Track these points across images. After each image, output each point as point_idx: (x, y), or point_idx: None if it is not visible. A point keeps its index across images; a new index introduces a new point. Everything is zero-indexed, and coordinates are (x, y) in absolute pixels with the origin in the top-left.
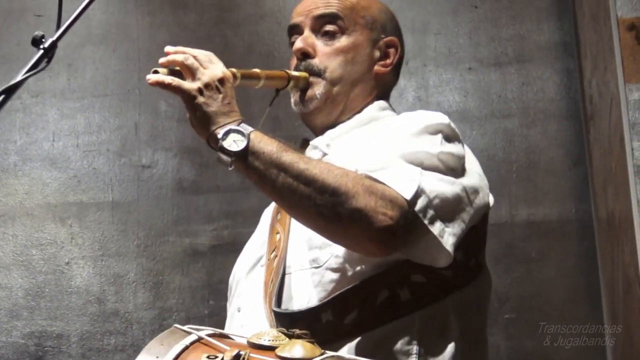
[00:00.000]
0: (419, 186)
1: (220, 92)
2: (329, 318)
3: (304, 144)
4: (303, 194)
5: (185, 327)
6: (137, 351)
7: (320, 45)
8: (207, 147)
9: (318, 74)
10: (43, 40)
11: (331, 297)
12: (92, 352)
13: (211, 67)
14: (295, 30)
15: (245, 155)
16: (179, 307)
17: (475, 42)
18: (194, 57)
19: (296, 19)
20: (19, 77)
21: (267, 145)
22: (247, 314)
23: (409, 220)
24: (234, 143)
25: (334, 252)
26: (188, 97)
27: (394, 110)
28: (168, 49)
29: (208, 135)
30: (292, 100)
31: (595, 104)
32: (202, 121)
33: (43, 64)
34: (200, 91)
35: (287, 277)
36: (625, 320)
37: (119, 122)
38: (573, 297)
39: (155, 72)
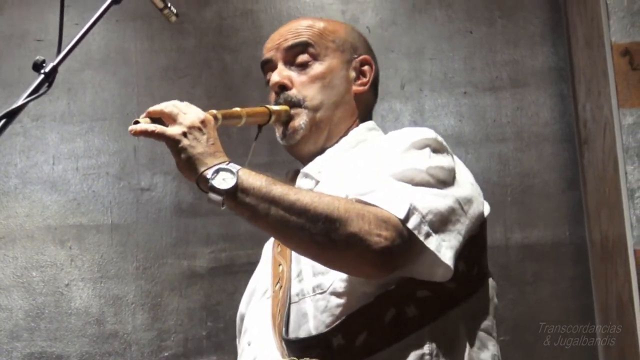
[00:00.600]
0: (410, 204)
1: (203, 134)
2: (340, 342)
3: (295, 175)
4: (296, 225)
5: None
6: None
7: (296, 76)
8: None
9: (298, 104)
10: (44, 65)
11: (340, 321)
12: None
13: (191, 110)
14: (268, 66)
15: (235, 193)
16: (177, 329)
17: (471, 67)
18: (173, 104)
19: (267, 54)
20: (20, 102)
21: (256, 180)
22: (258, 346)
23: (405, 239)
24: (223, 182)
25: (337, 277)
26: (173, 142)
27: (379, 129)
28: (150, 109)
29: (197, 177)
30: (277, 134)
31: (589, 129)
32: (188, 164)
33: (44, 89)
34: (184, 134)
35: (293, 306)
36: (619, 343)
37: (118, 146)
38: (567, 319)
39: (136, 122)
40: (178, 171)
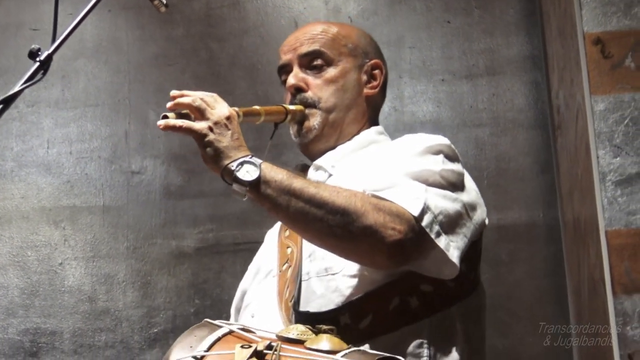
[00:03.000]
0: (424, 203)
1: (229, 129)
2: (347, 321)
3: (303, 169)
4: (315, 217)
5: (216, 321)
6: (126, 347)
7: (311, 79)
8: (194, 154)
9: (313, 105)
10: (39, 53)
11: (349, 301)
12: (84, 349)
13: (217, 106)
14: (284, 69)
15: (258, 184)
16: (166, 306)
17: (448, 56)
18: (201, 98)
19: (284, 58)
20: (16, 88)
21: (277, 173)
22: (262, 319)
23: (417, 235)
24: (247, 174)
25: (348, 261)
26: (199, 136)
27: (387, 134)
28: (173, 93)
29: (222, 169)
30: (291, 132)
31: (562, 115)
32: (214, 157)
33: (39, 76)
34: (210, 129)
35: (304, 283)
36: (591, 320)
37: (110, 131)
38: (541, 298)
39: (165, 117)
40: (167, 156)
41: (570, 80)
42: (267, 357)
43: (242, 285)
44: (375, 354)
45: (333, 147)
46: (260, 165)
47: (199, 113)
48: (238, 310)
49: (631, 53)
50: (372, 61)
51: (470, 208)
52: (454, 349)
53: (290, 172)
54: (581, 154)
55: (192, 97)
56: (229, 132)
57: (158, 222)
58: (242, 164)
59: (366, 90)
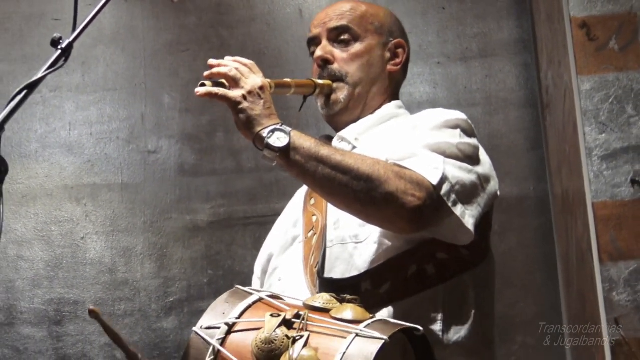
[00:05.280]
0: (443, 173)
1: (261, 98)
2: (368, 287)
3: (327, 140)
4: (341, 182)
5: (246, 288)
6: (144, 315)
7: (338, 53)
8: (206, 134)
9: (340, 79)
10: (60, 41)
11: (370, 268)
12: (105, 317)
13: (252, 77)
14: (314, 42)
15: (288, 151)
16: (181, 277)
17: (443, 40)
18: (236, 68)
19: (314, 31)
20: (39, 74)
21: (306, 141)
22: (288, 283)
23: (435, 202)
24: (277, 140)
25: (373, 230)
26: (234, 104)
27: (405, 108)
28: (211, 61)
29: (254, 135)
30: (319, 104)
31: (551, 94)
32: (247, 124)
33: (61, 63)
34: (244, 97)
35: (328, 250)
36: (579, 286)
37: (127, 113)
38: (532, 266)
39: (202, 85)
40: (181, 136)
41: (558, 62)
42: (295, 326)
43: (268, 247)
44: (396, 324)
45: (356, 120)
46: (290, 133)
47: (234, 82)
48: (265, 272)
49: (615, 36)
50: (396, 40)
51: (484, 180)
52: (465, 313)
53: (318, 140)
54: (569, 130)
55: (229, 66)
56: (262, 101)
57: (173, 198)
58: (273, 131)
59: (389, 67)
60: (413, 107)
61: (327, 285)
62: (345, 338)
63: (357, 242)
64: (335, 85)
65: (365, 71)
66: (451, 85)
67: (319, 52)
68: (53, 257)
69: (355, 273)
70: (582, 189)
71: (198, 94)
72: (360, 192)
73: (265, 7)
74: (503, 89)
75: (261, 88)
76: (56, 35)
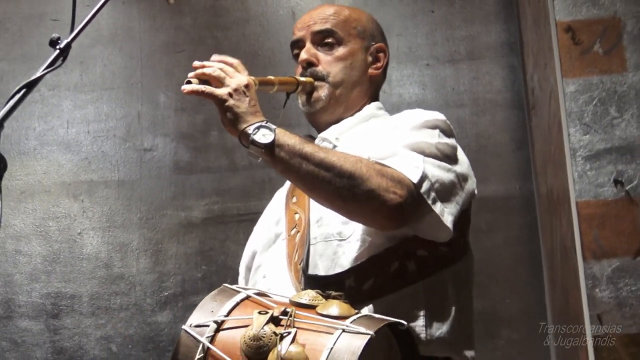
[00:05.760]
0: (423, 171)
1: (247, 96)
2: (351, 284)
3: (310, 139)
4: (324, 179)
5: (233, 287)
6: (139, 309)
7: (322, 55)
8: (201, 133)
9: (322, 78)
10: (59, 41)
11: (354, 265)
12: (101, 310)
13: (237, 75)
14: (297, 44)
15: (273, 147)
16: (175, 272)
17: (432, 42)
18: (220, 69)
19: (298, 34)
20: (38, 73)
21: (290, 138)
22: (273, 280)
23: (415, 200)
24: (263, 137)
25: (356, 228)
26: (220, 101)
27: (384, 109)
28: (195, 64)
29: (239, 132)
30: (300, 101)
31: (537, 96)
32: (233, 121)
33: (59, 62)
34: (230, 95)
35: (312, 247)
36: (563, 283)
37: (124, 112)
38: (517, 263)
39: (189, 82)
40: (176, 134)
41: (544, 65)
42: (282, 322)
43: (252, 245)
44: (381, 319)
45: (337, 121)
46: (274, 130)
47: (218, 82)
48: (249, 269)
49: (599, 40)
50: (378, 44)
51: (462, 179)
52: (446, 309)
53: (302, 138)
54: (554, 131)
55: (213, 67)
56: (247, 98)
57: (168, 195)
58: (258, 128)
59: (371, 70)
60: (402, 108)
61: (312, 282)
62: (332, 334)
63: (340, 240)
64: (316, 83)
65: (348, 73)
66: (440, 86)
67: (303, 54)
68: (50, 252)
69: (339, 270)
70: (566, 189)
71: (185, 91)
72: (342, 188)
73: (259, 9)
74: (490, 91)
75: (246, 86)
76: (54, 35)
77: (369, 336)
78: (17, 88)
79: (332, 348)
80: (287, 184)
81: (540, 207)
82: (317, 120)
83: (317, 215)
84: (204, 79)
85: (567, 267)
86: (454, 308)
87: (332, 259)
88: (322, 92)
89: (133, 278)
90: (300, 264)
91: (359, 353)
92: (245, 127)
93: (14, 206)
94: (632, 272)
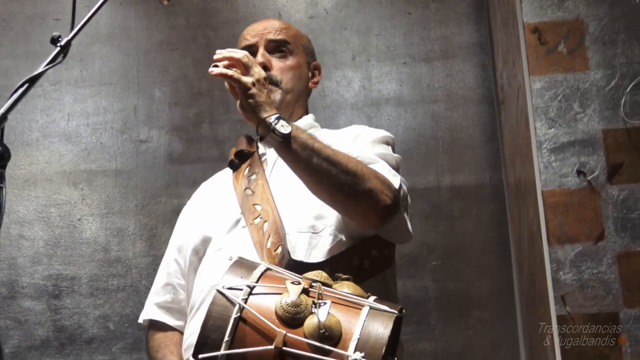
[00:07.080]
0: (400, 180)
1: (265, 88)
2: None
3: (248, 140)
4: (330, 174)
5: (250, 260)
6: (135, 291)
7: (275, 61)
8: (193, 126)
9: (276, 84)
10: (60, 39)
11: (327, 258)
12: (99, 291)
13: (257, 67)
14: (250, 49)
15: (289, 138)
16: None
17: (409, 42)
18: (246, 56)
19: (251, 40)
20: (40, 69)
21: (302, 133)
22: None
23: (396, 204)
24: (282, 127)
25: (327, 223)
26: (244, 88)
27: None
28: (219, 51)
29: (260, 120)
30: None
31: (506, 92)
32: (253, 108)
33: (60, 59)
34: (253, 84)
35: (287, 236)
36: (530, 266)
37: (121, 105)
38: (487, 247)
39: (215, 66)
40: (170, 127)
41: (512, 63)
42: (311, 294)
43: (200, 229)
44: (392, 304)
45: None
46: (290, 124)
47: (245, 69)
48: (197, 252)
49: (564, 40)
50: (315, 62)
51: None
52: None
53: (312, 135)
54: (521, 125)
55: (241, 54)
56: (266, 90)
57: (162, 184)
58: (278, 119)
59: (310, 84)
60: (381, 103)
61: (296, 267)
62: (359, 309)
63: (314, 233)
64: (270, 87)
65: (296, 83)
66: (416, 83)
67: (259, 58)
68: (52, 237)
69: (313, 260)
70: (532, 179)
71: (212, 73)
72: (345, 184)
73: (247, 10)
74: (462, 87)
75: (265, 79)
76: (56, 33)
77: (396, 313)
78: (20, 83)
79: (364, 321)
80: (214, 178)
81: (508, 195)
82: None
83: (284, 209)
84: (229, 65)
85: (534, 251)
86: (391, 298)
87: (307, 248)
88: (275, 96)
89: (129, 261)
90: (275, 250)
91: (391, 326)
92: (267, 117)
93: (17, 193)
94: (593, 256)
